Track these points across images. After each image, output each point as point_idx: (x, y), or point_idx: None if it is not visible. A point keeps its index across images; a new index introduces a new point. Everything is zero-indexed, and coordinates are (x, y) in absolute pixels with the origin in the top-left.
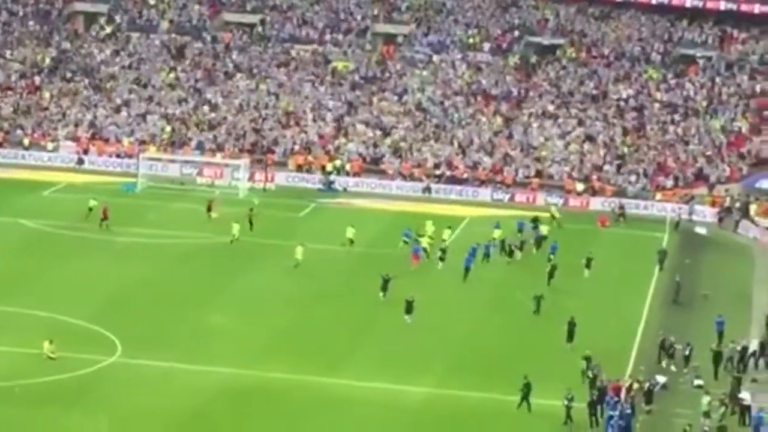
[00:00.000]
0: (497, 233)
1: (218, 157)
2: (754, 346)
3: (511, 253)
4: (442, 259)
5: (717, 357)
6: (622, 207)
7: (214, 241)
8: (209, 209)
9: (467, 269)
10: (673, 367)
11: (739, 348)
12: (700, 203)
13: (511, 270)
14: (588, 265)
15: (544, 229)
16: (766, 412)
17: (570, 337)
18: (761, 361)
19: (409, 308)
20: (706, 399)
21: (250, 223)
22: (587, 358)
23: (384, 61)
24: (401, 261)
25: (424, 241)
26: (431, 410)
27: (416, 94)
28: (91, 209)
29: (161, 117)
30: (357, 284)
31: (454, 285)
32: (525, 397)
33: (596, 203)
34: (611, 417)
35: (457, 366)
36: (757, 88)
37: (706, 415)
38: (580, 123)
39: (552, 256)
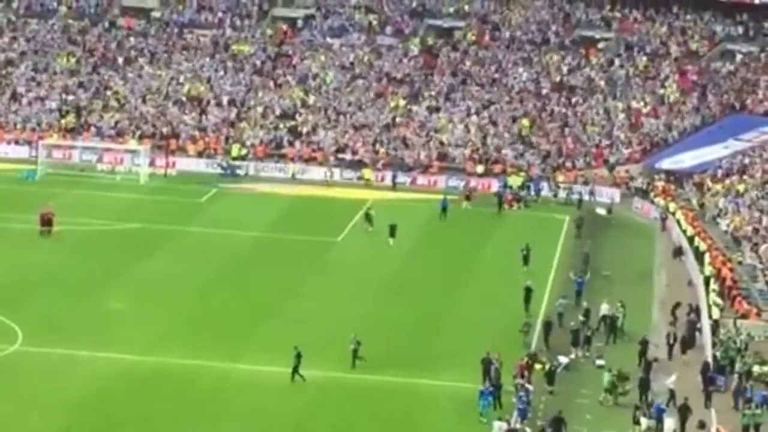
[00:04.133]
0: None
1: (118, 143)
2: (603, 311)
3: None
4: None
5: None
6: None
7: (114, 227)
8: (49, 223)
9: (444, 209)
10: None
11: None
12: (601, 184)
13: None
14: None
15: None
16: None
17: (525, 261)
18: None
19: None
20: (607, 376)
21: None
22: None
23: (283, 45)
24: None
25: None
26: (330, 393)
27: (317, 78)
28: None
29: (61, 103)
30: (257, 269)
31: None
32: (295, 368)
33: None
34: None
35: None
36: (657, 70)
37: (608, 391)
38: (481, 106)
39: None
